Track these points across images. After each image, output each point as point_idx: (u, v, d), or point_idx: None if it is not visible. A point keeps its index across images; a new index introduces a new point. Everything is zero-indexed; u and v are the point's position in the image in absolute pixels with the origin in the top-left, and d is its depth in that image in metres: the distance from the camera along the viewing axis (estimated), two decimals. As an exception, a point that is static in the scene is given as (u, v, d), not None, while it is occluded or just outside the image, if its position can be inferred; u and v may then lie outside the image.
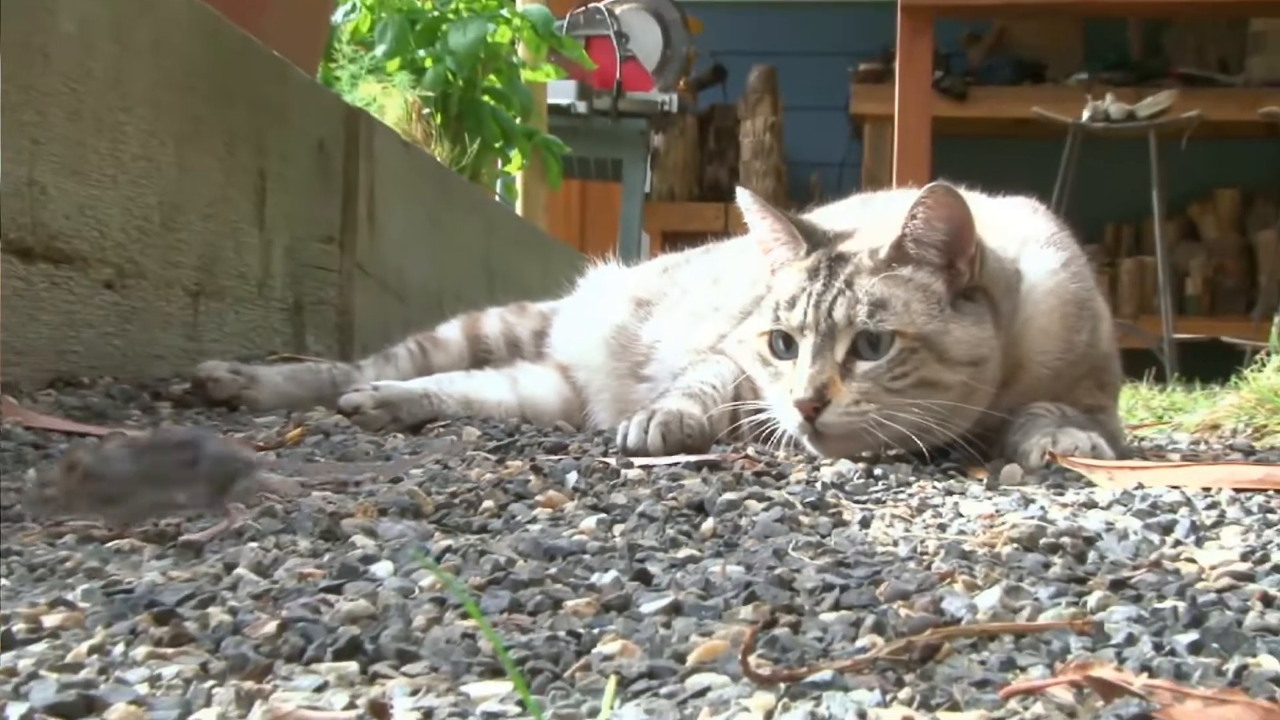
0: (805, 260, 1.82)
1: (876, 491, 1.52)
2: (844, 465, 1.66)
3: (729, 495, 1.39)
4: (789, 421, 1.73)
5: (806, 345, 1.73)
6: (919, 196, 1.73)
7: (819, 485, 1.52)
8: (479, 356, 2.40)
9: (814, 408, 1.69)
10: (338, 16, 3.80)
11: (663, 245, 7.55)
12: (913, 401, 1.70)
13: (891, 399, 1.70)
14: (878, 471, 1.63)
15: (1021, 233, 1.91)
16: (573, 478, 1.49)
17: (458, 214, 3.71)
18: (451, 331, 2.45)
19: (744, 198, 1.86)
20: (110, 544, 1.15)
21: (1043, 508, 1.39)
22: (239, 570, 1.05)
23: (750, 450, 1.77)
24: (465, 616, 0.93)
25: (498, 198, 4.58)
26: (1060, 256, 1.88)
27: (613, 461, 1.62)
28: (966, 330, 1.73)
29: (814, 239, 1.84)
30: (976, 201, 1.88)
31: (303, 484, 1.42)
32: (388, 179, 3.12)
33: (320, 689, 0.79)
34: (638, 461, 1.63)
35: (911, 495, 1.49)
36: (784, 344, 1.78)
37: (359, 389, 2.07)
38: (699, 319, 2.16)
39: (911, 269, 1.75)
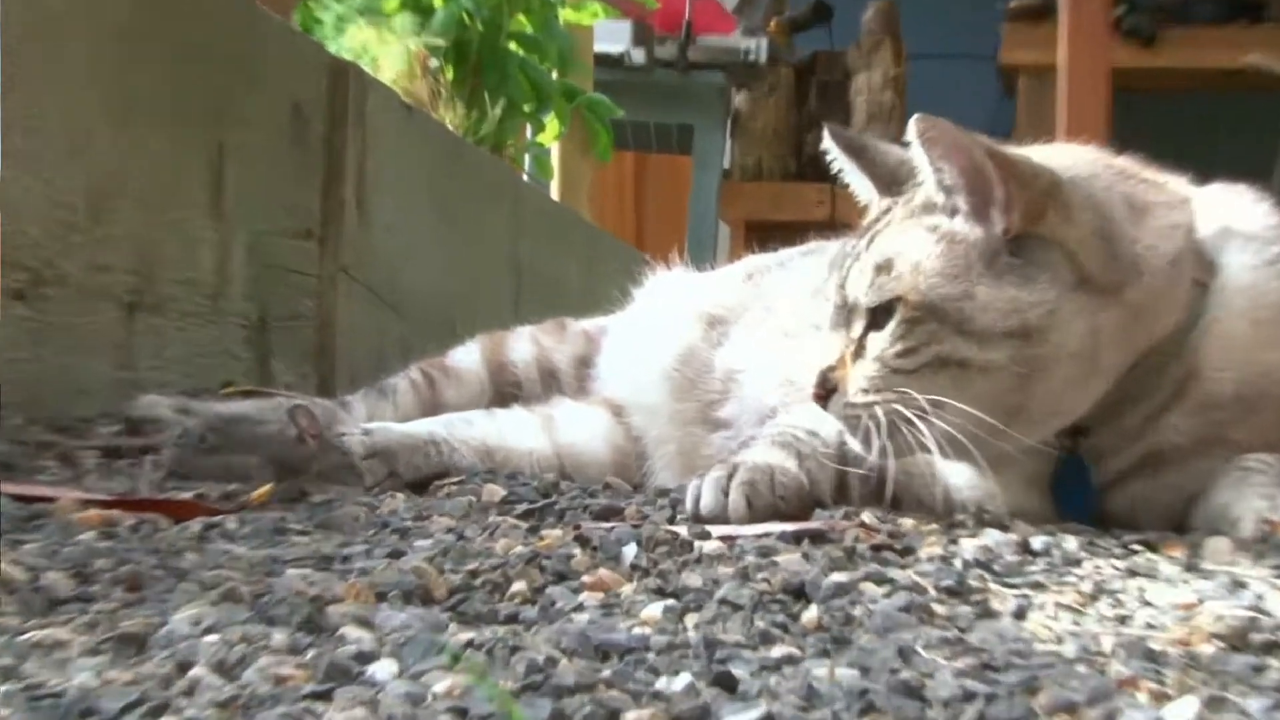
0: (872, 215, 1.94)
1: (1035, 572, 1.51)
2: (991, 537, 1.65)
3: (838, 576, 1.39)
4: None
5: (827, 322, 1.87)
6: (908, 130, 1.80)
7: (958, 563, 1.52)
8: (504, 390, 2.46)
9: (820, 399, 1.81)
10: (319, -61, 3.85)
11: (747, 241, 7.55)
12: (940, 394, 1.74)
13: (908, 384, 1.76)
14: (1037, 545, 1.62)
15: (1222, 216, 1.93)
16: (630, 552, 1.50)
17: (475, 200, 3.74)
18: (468, 357, 2.50)
19: (826, 138, 1.96)
20: (27, 636, 1.16)
21: (1259, 595, 1.38)
22: (196, 670, 1.05)
23: (866, 516, 1.77)
24: (496, 732, 0.93)
25: (527, 177, 4.57)
26: (1269, 253, 1.90)
27: (683, 531, 1.61)
28: (1001, 292, 1.76)
29: (893, 185, 1.92)
30: (1155, 180, 1.93)
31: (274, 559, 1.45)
32: (384, 154, 3.14)
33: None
34: (715, 531, 1.63)
35: (1082, 577, 1.48)
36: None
37: (345, 433, 2.08)
38: (795, 342, 2.16)
39: (939, 218, 1.82)
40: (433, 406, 2.39)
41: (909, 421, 1.73)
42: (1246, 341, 1.86)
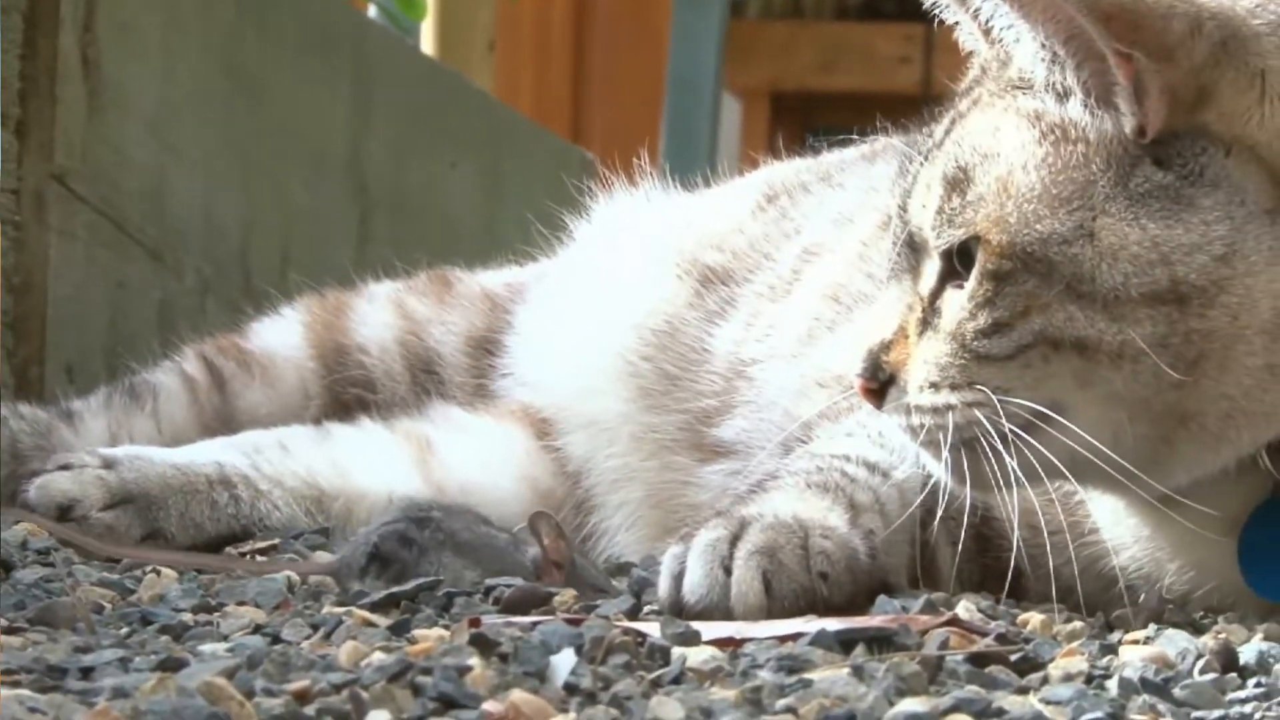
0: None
1: (1242, 700, 1.39)
2: (1173, 644, 1.52)
3: (911, 706, 1.30)
4: None
5: (885, 269, 1.78)
6: None
7: (1113, 685, 1.41)
8: (344, 393, 2.34)
9: (870, 394, 1.69)
10: None
11: (771, 129, 6.71)
12: (1053, 395, 1.62)
13: (1000, 378, 1.63)
14: (1248, 656, 1.48)
15: None
16: (564, 663, 1.41)
17: (292, 61, 3.53)
18: (282, 336, 2.37)
19: None
20: None
21: None
22: None
23: (963, 606, 1.63)
24: None
25: (380, 14, 4.45)
26: None
27: (653, 631, 1.51)
28: (1140, 228, 1.61)
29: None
30: None
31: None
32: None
33: None
34: (709, 632, 1.53)
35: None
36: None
37: (71, 463, 2.00)
38: (846, 313, 2.10)
39: (1042, 100, 1.67)
40: (222, 419, 2.27)
41: (996, 444, 1.60)
42: None
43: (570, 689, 1.37)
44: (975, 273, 1.63)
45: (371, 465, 2.17)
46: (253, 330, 2.42)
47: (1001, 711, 1.31)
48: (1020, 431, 1.61)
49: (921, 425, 1.65)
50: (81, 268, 2.79)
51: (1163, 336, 1.60)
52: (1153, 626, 1.60)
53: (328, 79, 3.67)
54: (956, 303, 1.65)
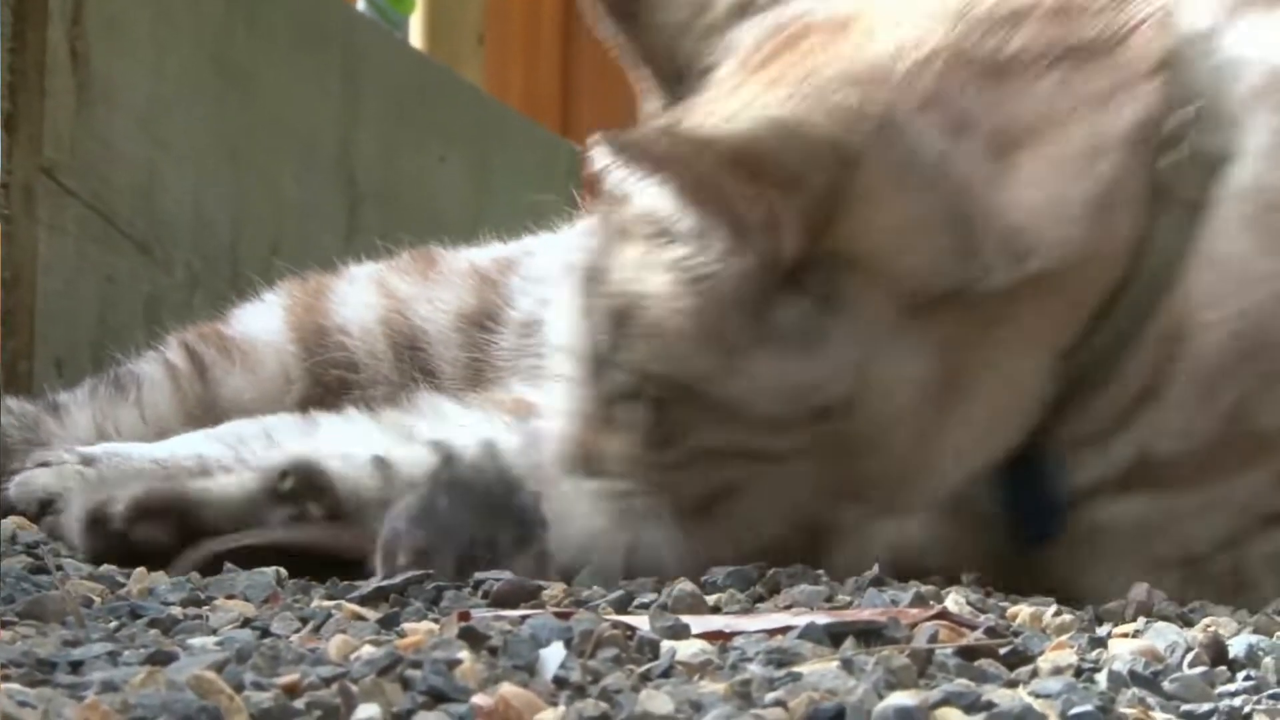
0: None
1: (1231, 694, 1.38)
2: (1162, 638, 1.51)
3: (900, 699, 1.28)
4: None
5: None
6: (592, 155, 1.67)
7: (1102, 679, 1.40)
8: (327, 376, 2.28)
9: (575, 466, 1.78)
10: None
11: None
12: (730, 486, 1.70)
13: (679, 479, 1.71)
14: (1236, 647, 1.46)
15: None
16: (554, 657, 1.39)
17: (278, 50, 3.54)
18: (264, 321, 2.33)
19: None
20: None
21: None
22: None
23: (952, 600, 1.61)
24: None
25: (369, 7, 4.50)
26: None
27: (642, 625, 1.50)
28: (781, 363, 1.68)
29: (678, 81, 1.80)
30: None
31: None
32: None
33: None
34: (697, 625, 1.52)
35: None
36: None
37: (50, 459, 2.00)
38: None
39: (680, 249, 1.71)
40: (205, 405, 2.23)
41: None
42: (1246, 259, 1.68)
43: (560, 682, 1.36)
44: (641, 396, 1.70)
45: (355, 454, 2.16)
46: (234, 316, 2.41)
47: (991, 705, 1.29)
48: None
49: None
50: (70, 262, 2.76)
51: (820, 440, 1.67)
52: (1142, 620, 1.59)
53: (317, 73, 3.66)
54: (631, 414, 1.72)
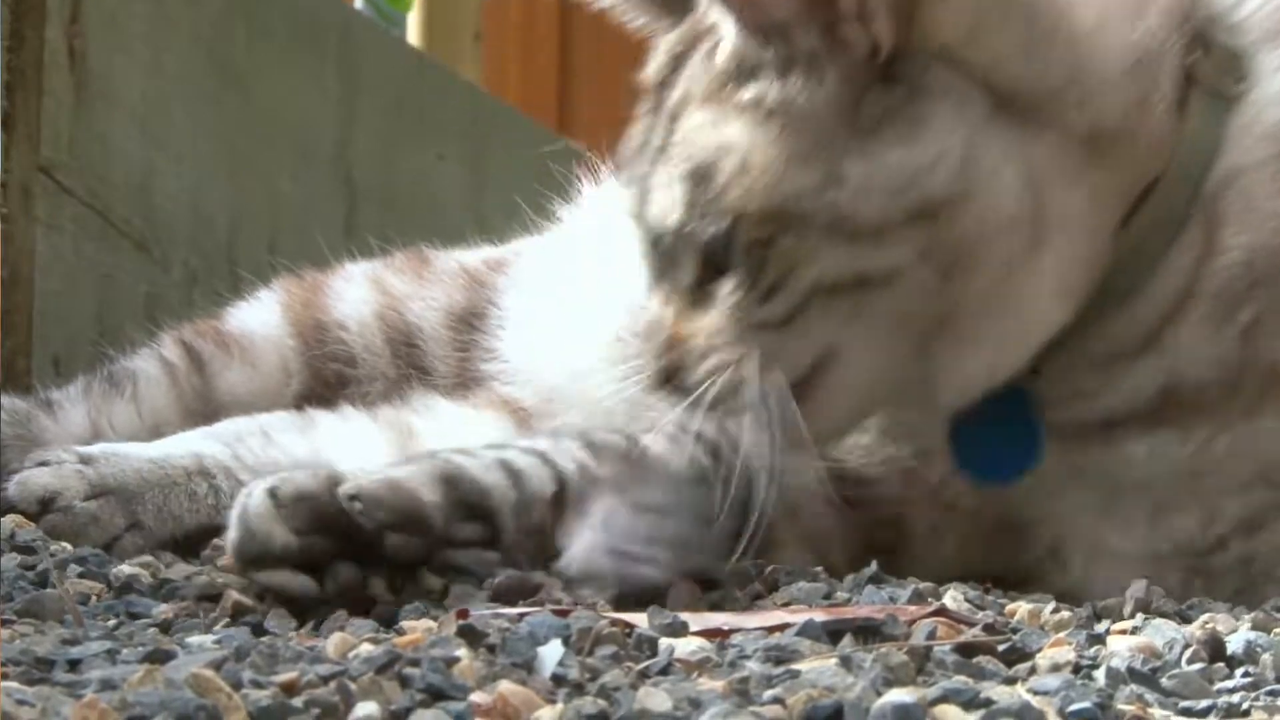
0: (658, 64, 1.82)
1: (1230, 690, 1.38)
2: (1160, 634, 1.53)
3: (899, 696, 1.29)
4: None
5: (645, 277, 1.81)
6: None
7: (1100, 676, 1.41)
8: (325, 370, 2.30)
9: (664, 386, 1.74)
10: None
11: None
12: (838, 341, 1.69)
13: (786, 343, 1.69)
14: (1234, 644, 1.47)
15: None
16: (552, 655, 1.42)
17: (275, 49, 3.47)
18: (261, 317, 2.34)
19: None
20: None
21: None
22: None
23: (950, 596, 1.66)
24: None
25: (366, 5, 4.47)
26: None
27: (641, 622, 1.52)
28: (882, 158, 1.66)
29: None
30: None
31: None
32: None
33: None
34: (695, 623, 1.54)
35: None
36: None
37: (49, 458, 1.96)
38: None
39: (760, 86, 1.70)
40: (202, 400, 2.23)
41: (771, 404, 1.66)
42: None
43: (558, 680, 1.38)
44: (738, 249, 1.68)
45: (355, 453, 2.11)
46: (230, 314, 2.39)
47: (989, 702, 1.31)
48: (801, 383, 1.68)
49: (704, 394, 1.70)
50: (68, 260, 2.77)
51: (924, 250, 1.67)
52: (1140, 616, 1.62)
53: (314, 71, 3.67)
54: (726, 284, 1.70)
